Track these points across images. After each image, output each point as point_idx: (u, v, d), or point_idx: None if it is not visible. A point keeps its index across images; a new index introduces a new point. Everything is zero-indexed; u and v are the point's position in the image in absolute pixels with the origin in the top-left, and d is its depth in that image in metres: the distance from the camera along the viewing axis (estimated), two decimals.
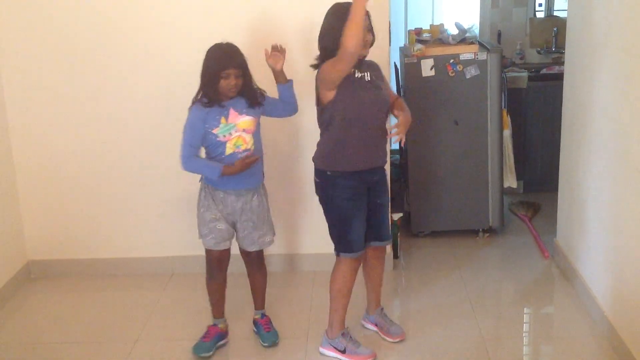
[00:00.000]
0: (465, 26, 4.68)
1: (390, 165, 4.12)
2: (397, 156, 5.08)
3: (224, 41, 3.15)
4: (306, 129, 3.86)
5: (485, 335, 3.48)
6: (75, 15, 3.90)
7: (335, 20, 2.96)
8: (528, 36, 5.98)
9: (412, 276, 4.21)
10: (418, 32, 4.85)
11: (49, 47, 3.94)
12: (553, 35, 5.89)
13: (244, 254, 3.41)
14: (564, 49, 4.24)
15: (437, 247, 4.56)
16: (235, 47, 3.14)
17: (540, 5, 6.05)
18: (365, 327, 3.56)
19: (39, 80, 3.99)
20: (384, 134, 3.19)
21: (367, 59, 3.15)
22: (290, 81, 3.34)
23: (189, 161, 3.16)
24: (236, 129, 3.16)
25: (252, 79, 3.20)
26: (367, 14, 3.01)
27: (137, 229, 4.20)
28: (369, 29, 3.06)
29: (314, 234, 4.12)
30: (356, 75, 3.08)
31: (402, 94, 4.61)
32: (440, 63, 4.43)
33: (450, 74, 4.44)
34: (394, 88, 4.69)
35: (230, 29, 3.66)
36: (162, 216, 4.16)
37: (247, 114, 3.18)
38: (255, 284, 3.50)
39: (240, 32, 3.78)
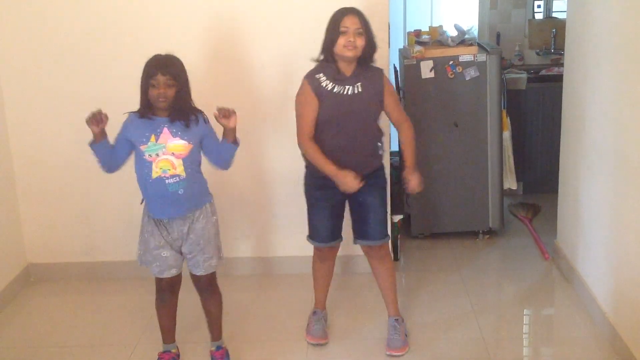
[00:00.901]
0: (464, 28, 4.68)
1: (390, 167, 4.12)
2: (397, 158, 5.07)
3: (169, 52, 2.96)
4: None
5: (486, 337, 3.47)
6: (75, 17, 3.90)
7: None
8: (527, 37, 5.99)
9: (412, 278, 4.20)
10: (417, 33, 4.84)
11: (48, 50, 3.94)
12: (552, 36, 5.90)
13: (194, 278, 3.18)
14: (563, 51, 4.25)
15: (437, 249, 4.56)
16: (174, 58, 2.92)
17: (538, 6, 6.06)
18: None
19: (38, 83, 3.99)
20: (363, 143, 3.18)
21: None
22: (238, 144, 3.06)
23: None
24: (164, 151, 2.92)
25: (189, 97, 2.97)
26: (360, 19, 3.03)
27: (137, 232, 4.17)
28: (360, 33, 3.03)
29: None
30: (334, 90, 3.11)
31: (401, 95, 4.61)
32: (439, 65, 4.43)
33: (449, 75, 4.43)
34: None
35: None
36: None
37: (182, 138, 2.92)
38: (209, 313, 3.26)
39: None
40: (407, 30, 5.61)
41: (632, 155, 3.08)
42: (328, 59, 3.11)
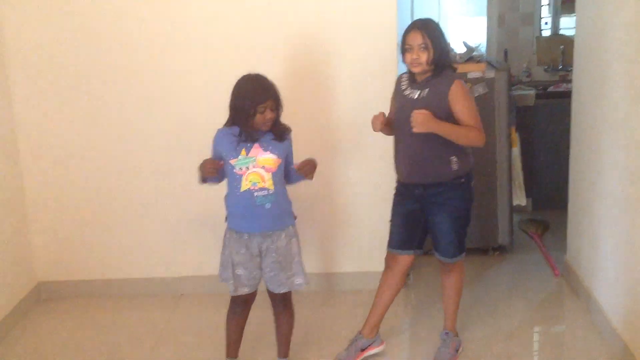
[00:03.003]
0: (473, 45, 4.70)
1: None
2: None
3: (252, 72, 2.96)
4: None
5: (498, 354, 3.45)
6: (87, 28, 3.92)
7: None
8: (535, 54, 6.01)
9: (422, 295, 4.19)
10: None
11: (60, 66, 3.97)
12: (560, 53, 5.91)
13: (271, 294, 3.17)
14: (571, 67, 4.25)
15: None
16: (267, 79, 2.95)
17: (546, 23, 6.09)
18: None
19: (50, 102, 4.01)
20: (425, 150, 3.15)
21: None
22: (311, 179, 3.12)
23: None
24: (255, 164, 2.97)
25: (280, 115, 3.01)
26: (424, 32, 3.06)
27: (147, 250, 4.20)
28: (423, 48, 3.05)
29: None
30: (404, 93, 3.21)
31: None
32: None
33: None
34: None
35: (258, 57, 3.78)
36: (171, 237, 4.17)
37: (272, 152, 2.98)
38: (279, 327, 3.25)
39: (271, 61, 3.86)
40: None
41: None
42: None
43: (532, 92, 5.38)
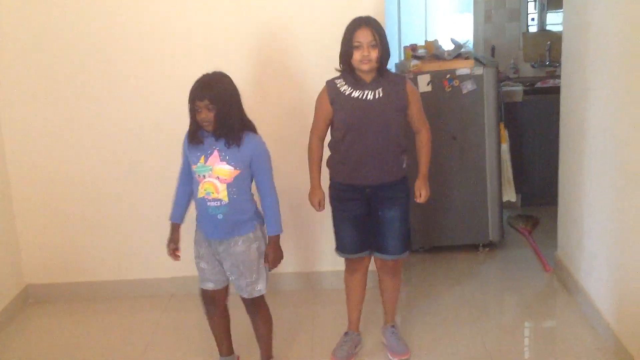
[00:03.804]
0: (460, 41, 4.70)
1: None
2: None
3: (217, 70, 2.93)
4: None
5: (490, 350, 3.45)
6: (75, 26, 3.88)
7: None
8: (522, 50, 6.02)
9: (413, 292, 4.18)
10: (413, 48, 4.86)
11: (49, 65, 3.92)
12: (547, 49, 5.93)
13: (241, 297, 3.14)
14: (558, 63, 4.27)
15: (437, 263, 4.55)
16: (215, 79, 2.87)
17: (532, 19, 6.10)
18: (382, 341, 3.56)
19: (36, 103, 3.96)
20: (384, 150, 3.16)
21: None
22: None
23: (177, 185, 3.14)
24: (210, 174, 2.91)
25: (234, 117, 2.88)
26: (373, 29, 3.03)
27: (136, 251, 4.16)
28: (373, 46, 3.03)
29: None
30: (353, 95, 3.12)
31: None
32: (436, 78, 4.44)
33: (446, 89, 4.44)
34: None
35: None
36: (160, 237, 4.11)
37: (229, 163, 2.90)
38: (255, 331, 3.23)
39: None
40: (402, 45, 5.64)
41: (633, 165, 3.08)
42: (346, 69, 3.14)
43: (520, 88, 5.39)
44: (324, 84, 3.21)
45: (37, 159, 4.04)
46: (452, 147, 4.52)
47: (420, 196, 3.31)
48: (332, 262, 4.08)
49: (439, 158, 4.52)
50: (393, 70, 4.89)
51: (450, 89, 4.44)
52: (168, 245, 3.15)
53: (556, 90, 4.30)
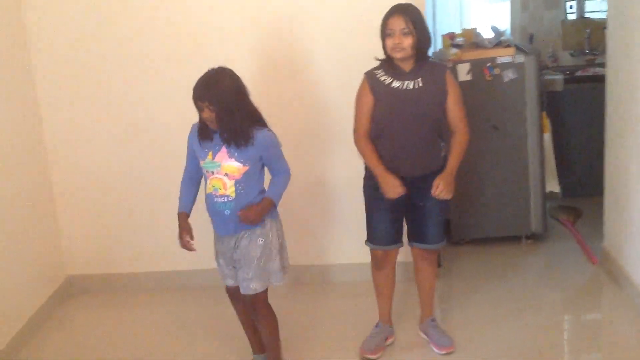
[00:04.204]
0: (500, 29, 4.60)
1: None
2: None
3: (221, 66, 2.85)
4: (334, 129, 3.90)
5: (540, 344, 3.37)
6: (109, 29, 3.90)
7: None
8: (560, 39, 5.89)
9: (456, 285, 4.10)
10: (451, 36, 4.77)
11: (89, 59, 3.94)
12: (586, 37, 5.79)
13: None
14: (598, 51, 4.14)
15: (479, 255, 4.46)
16: (215, 78, 2.78)
17: (571, 7, 5.97)
18: (420, 336, 3.50)
19: (75, 98, 3.98)
20: (424, 141, 3.11)
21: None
22: (274, 204, 2.96)
23: (181, 183, 3.10)
24: (219, 170, 2.87)
25: (238, 117, 2.78)
26: (406, 17, 2.96)
27: (176, 242, 4.11)
28: (406, 33, 2.96)
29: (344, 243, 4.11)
30: (393, 85, 3.07)
31: None
32: (476, 67, 4.34)
33: (487, 78, 4.35)
34: None
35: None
36: (204, 228, 4.09)
37: (237, 160, 2.84)
38: (261, 332, 3.13)
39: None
40: (440, 34, 5.54)
41: None
42: (386, 58, 3.09)
43: (561, 77, 5.26)
44: (363, 75, 3.16)
45: (76, 153, 4.06)
46: (493, 138, 4.42)
47: (437, 188, 3.09)
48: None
49: (480, 149, 4.43)
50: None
51: (491, 77, 4.35)
52: (180, 237, 3.05)
53: (598, 79, 4.20)
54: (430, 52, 4.19)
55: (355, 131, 3.18)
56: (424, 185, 3.14)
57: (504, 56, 4.36)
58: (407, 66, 3.06)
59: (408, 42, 2.97)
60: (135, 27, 3.89)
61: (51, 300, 3.97)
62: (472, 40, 4.64)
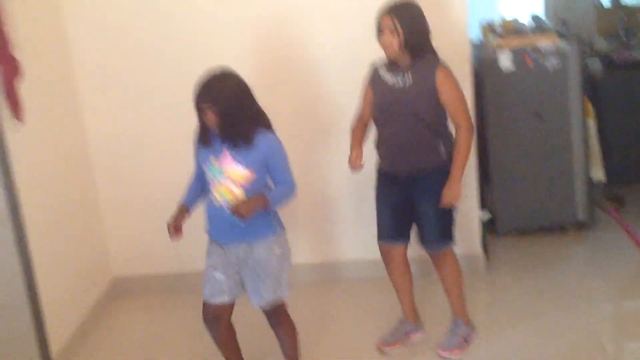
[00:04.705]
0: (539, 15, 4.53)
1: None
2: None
3: (221, 67, 2.72)
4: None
5: (588, 334, 3.31)
6: (155, 34, 3.93)
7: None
8: (595, 24, 5.79)
9: (502, 277, 4.04)
10: (490, 25, 4.70)
11: (131, 63, 3.97)
12: (622, 23, 5.69)
13: (262, 309, 2.92)
14: (634, 37, 4.05)
15: (526, 246, 4.40)
16: (216, 79, 2.65)
17: None
18: None
19: (119, 102, 4.03)
20: (414, 138, 3.04)
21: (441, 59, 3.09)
22: (268, 208, 2.77)
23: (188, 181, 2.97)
24: (224, 176, 2.72)
25: (239, 118, 2.66)
26: (393, 15, 2.93)
27: None
28: (392, 32, 2.93)
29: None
30: (386, 80, 3.08)
31: (476, 90, 4.44)
32: (518, 55, 4.28)
33: (529, 65, 4.28)
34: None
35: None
36: None
37: (242, 164, 2.69)
38: (278, 339, 3.01)
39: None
40: (473, 21, 5.46)
41: None
42: None
43: (599, 63, 5.17)
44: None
45: (120, 155, 4.08)
46: (536, 126, 4.35)
47: (444, 198, 3.04)
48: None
49: (523, 137, 4.37)
50: (468, 50, 4.77)
51: (533, 64, 4.27)
52: (169, 224, 2.86)
53: (637, 66, 4.09)
54: (467, 42, 4.11)
55: (354, 117, 3.26)
56: (421, 185, 3.10)
57: (546, 43, 4.28)
58: (403, 62, 3.04)
59: (395, 41, 2.95)
60: (185, 32, 3.92)
61: (99, 303, 3.97)
62: (511, 29, 4.56)
